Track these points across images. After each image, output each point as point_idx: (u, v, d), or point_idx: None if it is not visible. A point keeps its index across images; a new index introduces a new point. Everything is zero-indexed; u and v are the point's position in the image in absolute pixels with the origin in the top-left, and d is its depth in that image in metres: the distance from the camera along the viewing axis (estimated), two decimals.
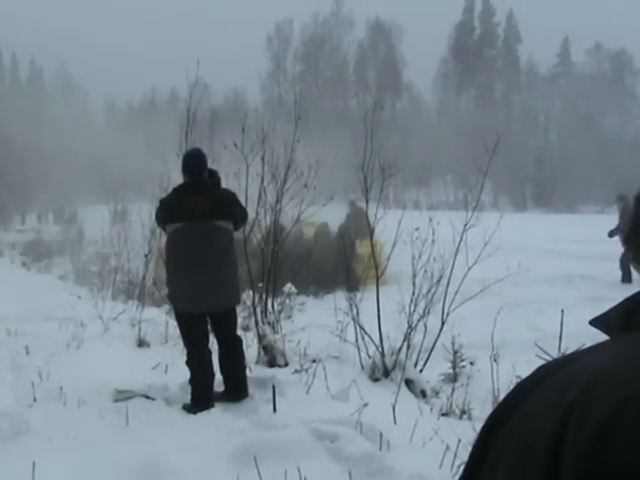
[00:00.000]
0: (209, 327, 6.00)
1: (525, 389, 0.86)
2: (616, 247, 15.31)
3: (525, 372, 1.01)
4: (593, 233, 26.32)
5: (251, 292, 8.11)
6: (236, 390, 5.96)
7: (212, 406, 5.68)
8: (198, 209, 5.69)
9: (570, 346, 5.50)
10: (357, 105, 73.70)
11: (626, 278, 14.85)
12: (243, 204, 6.36)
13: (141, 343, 8.27)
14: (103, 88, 76.31)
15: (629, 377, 0.75)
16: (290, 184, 8.21)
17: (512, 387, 0.90)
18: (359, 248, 11.49)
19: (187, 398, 5.79)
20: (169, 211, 5.84)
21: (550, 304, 11.29)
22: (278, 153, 8.26)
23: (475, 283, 8.06)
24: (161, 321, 8.83)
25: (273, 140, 8.23)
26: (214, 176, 6.00)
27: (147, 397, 5.94)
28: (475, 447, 0.88)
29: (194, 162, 5.88)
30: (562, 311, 5.87)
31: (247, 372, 6.14)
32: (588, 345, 0.93)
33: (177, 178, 5.97)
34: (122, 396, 5.86)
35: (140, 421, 5.27)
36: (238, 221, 5.97)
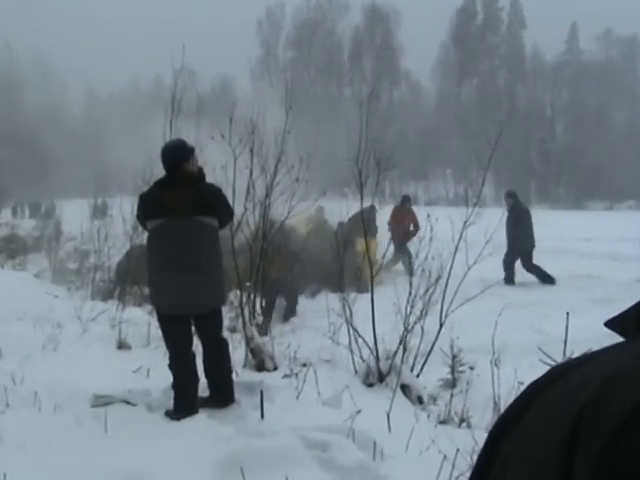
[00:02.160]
0: (193, 329, 5.99)
1: (535, 391, 0.87)
2: (625, 245, 15.40)
3: (528, 377, 1.02)
4: (601, 231, 26.47)
5: (238, 291, 8.11)
6: (222, 395, 5.95)
7: (196, 412, 5.67)
8: (180, 204, 5.66)
9: (576, 351, 5.52)
10: (352, 94, 73.69)
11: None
12: (230, 199, 6.36)
13: (121, 345, 8.26)
14: (83, 75, 75.89)
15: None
16: (280, 178, 8.21)
17: (521, 390, 0.91)
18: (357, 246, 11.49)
19: (170, 404, 5.79)
20: (149, 206, 5.82)
21: (555, 306, 11.30)
22: (268, 145, 8.26)
23: (475, 283, 8.08)
24: (143, 322, 8.82)
25: (262, 131, 8.23)
26: (199, 170, 5.98)
27: (127, 403, 5.93)
28: (482, 454, 0.89)
29: (175, 154, 5.84)
30: (567, 314, 5.89)
31: (233, 376, 6.14)
32: (595, 349, 0.93)
33: (161, 171, 5.95)
34: (101, 401, 5.85)
35: (120, 428, 5.26)
36: (224, 218, 5.96)
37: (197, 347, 6.03)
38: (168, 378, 5.86)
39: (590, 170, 65.88)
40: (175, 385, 5.79)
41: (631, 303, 0.95)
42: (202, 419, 5.55)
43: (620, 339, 0.94)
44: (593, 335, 7.79)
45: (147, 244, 5.99)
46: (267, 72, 75.98)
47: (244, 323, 7.86)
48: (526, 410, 0.86)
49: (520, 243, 15.13)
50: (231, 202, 6.64)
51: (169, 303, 5.74)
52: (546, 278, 15.12)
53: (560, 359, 5.58)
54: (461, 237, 7.44)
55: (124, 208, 11.59)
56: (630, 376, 0.77)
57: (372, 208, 15.38)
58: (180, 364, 5.79)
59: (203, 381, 5.96)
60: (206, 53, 62.71)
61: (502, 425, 0.90)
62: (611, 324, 0.95)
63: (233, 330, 8.26)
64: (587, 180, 65.25)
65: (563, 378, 0.85)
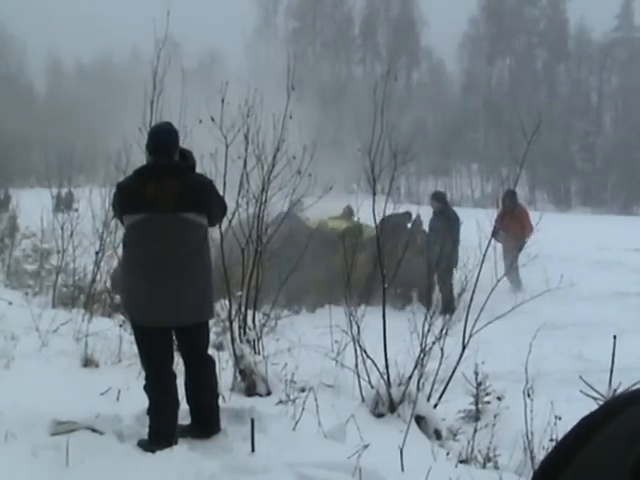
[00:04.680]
0: (174, 344, 6.00)
1: (587, 429, 0.88)
2: None
3: (566, 411, 1.03)
4: None
5: (227, 302, 8.11)
6: (205, 423, 5.96)
7: (175, 443, 5.67)
8: (163, 198, 5.67)
9: (624, 381, 5.53)
10: (364, 74, 73.90)
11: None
12: (220, 193, 6.36)
13: (88, 362, 8.26)
14: (46, 42, 75.96)
15: None
16: (279, 170, 8.21)
17: (574, 425, 0.91)
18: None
19: (144, 432, 5.79)
20: (127, 198, 5.83)
21: (599, 328, 11.32)
22: (265, 131, 8.26)
23: (505, 298, 8.10)
24: (113, 335, 8.82)
25: (259, 114, 8.23)
26: (187, 158, 5.99)
27: (94, 430, 5.94)
28: None
29: (162, 139, 5.87)
30: (614, 337, 5.89)
31: (220, 402, 6.15)
32: None
33: (139, 158, 5.97)
34: (62, 429, 5.86)
35: (84, 461, 5.26)
36: (214, 215, 5.97)
37: (178, 366, 6.03)
38: (143, 402, 5.86)
39: None
40: (151, 410, 5.79)
41: None
42: (182, 451, 5.55)
43: None
44: None
45: (123, 242, 6.01)
46: (265, 46, 76.07)
47: (233, 339, 7.85)
48: (577, 451, 0.86)
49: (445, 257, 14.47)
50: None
51: (146, 313, 5.74)
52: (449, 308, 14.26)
53: (604, 391, 5.59)
54: (489, 244, 7.46)
55: (94, 201, 11.59)
56: None
57: (406, 214, 15.59)
58: (157, 386, 5.80)
59: (184, 406, 5.97)
60: (193, 22, 62.69)
61: (548, 468, 0.90)
62: None
63: (220, 347, 8.26)
64: (638, 181, 65.17)
65: (621, 414, 0.86)
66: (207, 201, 5.83)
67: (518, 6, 76.18)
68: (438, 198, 16.08)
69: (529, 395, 6.00)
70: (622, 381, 5.29)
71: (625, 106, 73.77)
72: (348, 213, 16.83)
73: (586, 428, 0.89)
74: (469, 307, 7.37)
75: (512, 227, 14.76)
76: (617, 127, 73.81)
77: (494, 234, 15.33)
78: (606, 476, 0.80)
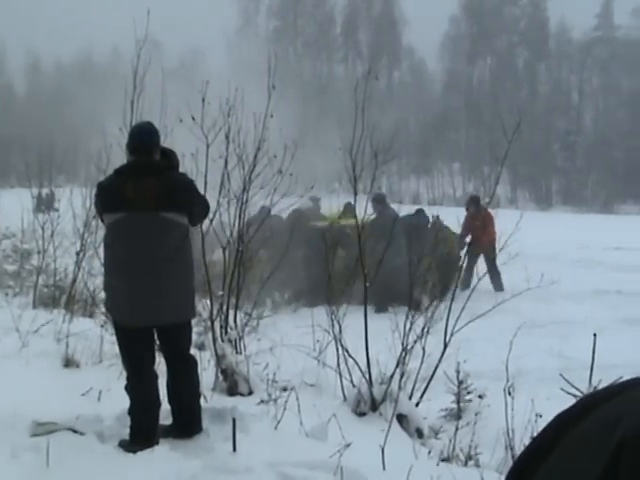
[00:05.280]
0: (156, 345, 5.99)
1: (567, 422, 0.88)
2: None
3: (547, 408, 1.03)
4: (634, 239, 26.56)
5: (208, 302, 8.10)
6: (187, 423, 5.95)
7: (156, 443, 5.66)
8: (142, 197, 5.65)
9: (604, 378, 5.55)
10: (345, 73, 73.91)
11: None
12: (202, 193, 6.35)
13: (69, 363, 8.23)
14: (25, 41, 75.55)
15: None
16: (260, 169, 8.21)
17: (544, 423, 0.92)
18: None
19: (125, 433, 5.77)
20: (107, 198, 5.81)
21: (579, 326, 11.39)
22: (246, 130, 8.25)
23: (486, 297, 8.12)
24: (94, 336, 8.79)
25: (240, 114, 8.22)
26: (170, 157, 5.97)
27: (74, 431, 5.92)
28: None
29: (142, 138, 5.86)
30: (594, 335, 5.92)
31: (201, 401, 6.14)
32: (627, 377, 0.95)
33: (119, 158, 5.95)
34: (42, 430, 5.83)
35: (65, 461, 5.24)
36: (195, 214, 5.95)
37: (160, 366, 6.02)
38: (124, 402, 5.85)
39: (622, 168, 66.15)
40: (132, 411, 5.78)
41: None
42: (163, 451, 5.55)
43: None
44: (624, 361, 7.87)
45: (104, 241, 6.00)
46: (246, 45, 75.97)
47: (214, 339, 7.85)
48: (555, 445, 0.87)
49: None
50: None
51: (127, 313, 5.73)
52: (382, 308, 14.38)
53: (585, 388, 5.62)
54: (470, 244, 7.48)
55: (74, 201, 11.55)
56: None
57: (420, 211, 15.67)
58: (139, 386, 5.78)
59: (165, 406, 5.95)
60: (174, 21, 62.60)
61: (526, 461, 0.91)
62: None
63: (201, 347, 8.25)
64: (618, 179, 65.50)
65: (595, 411, 0.87)
66: (187, 200, 5.81)
67: (499, 5, 76.43)
68: (378, 200, 16.18)
69: (510, 393, 6.02)
70: (602, 378, 5.31)
71: (605, 105, 74.18)
72: (351, 210, 16.92)
73: (562, 423, 0.89)
74: (450, 306, 7.39)
75: (476, 232, 14.82)
76: (597, 126, 74.15)
77: (461, 239, 15.51)
78: (583, 467, 0.81)
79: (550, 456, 0.86)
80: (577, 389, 5.69)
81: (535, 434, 0.95)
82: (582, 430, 0.85)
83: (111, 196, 5.77)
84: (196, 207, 5.91)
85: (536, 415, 5.45)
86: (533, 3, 77.16)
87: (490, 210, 14.65)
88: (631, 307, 14.27)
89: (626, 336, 9.24)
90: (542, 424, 0.95)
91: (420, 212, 15.91)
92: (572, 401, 0.96)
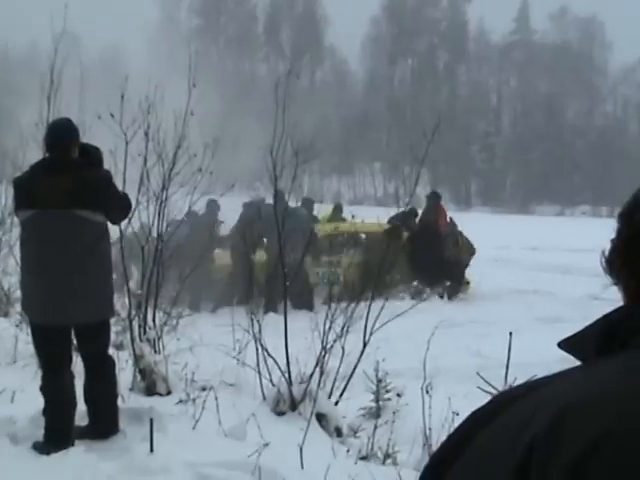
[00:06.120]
0: (73, 344, 5.90)
1: (480, 421, 0.89)
2: (578, 257, 15.81)
3: (463, 406, 1.04)
4: (551, 239, 27.08)
5: (127, 301, 8.02)
6: (103, 424, 5.87)
7: (72, 445, 5.58)
8: (56, 194, 5.56)
9: (519, 377, 5.63)
10: (267, 72, 73.82)
11: None
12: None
13: None
14: None
15: (607, 408, 0.78)
16: (180, 167, 8.15)
17: (458, 422, 0.92)
18: None
19: (39, 434, 5.67)
20: (22, 194, 5.73)
21: (496, 325, 11.53)
22: (166, 128, 8.19)
23: (407, 296, 8.16)
24: (8, 335, 8.64)
25: (160, 111, 8.15)
26: (90, 154, 5.87)
27: None
28: None
29: (59, 135, 5.77)
30: (510, 334, 6.00)
31: (119, 402, 6.07)
32: (541, 375, 0.96)
33: (35, 154, 5.85)
34: None
35: None
36: (113, 212, 5.88)
37: (77, 366, 5.93)
38: (38, 403, 5.75)
39: (539, 169, 67.33)
40: (47, 412, 5.68)
41: (583, 323, 0.98)
42: (78, 453, 5.47)
43: (569, 364, 0.96)
44: (539, 359, 8.00)
45: (19, 238, 5.91)
46: (167, 42, 75.30)
47: (133, 338, 7.77)
48: (466, 445, 0.87)
49: None
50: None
51: (42, 311, 5.63)
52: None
53: (500, 386, 5.69)
54: (390, 244, 7.52)
55: None
56: (587, 406, 0.79)
57: (411, 211, 16.21)
58: (54, 386, 5.69)
59: (81, 407, 5.87)
60: (93, 16, 61.73)
61: (441, 459, 0.91)
62: (566, 345, 0.98)
63: (120, 347, 8.16)
64: (536, 181, 66.66)
65: (509, 408, 0.87)
66: (104, 198, 5.72)
67: (419, 7, 77.15)
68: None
69: (427, 392, 6.07)
70: (518, 376, 5.39)
71: (523, 107, 75.36)
72: (339, 212, 17.33)
73: (476, 421, 0.90)
74: (370, 305, 7.43)
75: None
76: (515, 128, 75.35)
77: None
78: (495, 464, 0.81)
79: (464, 454, 0.86)
80: (493, 387, 5.76)
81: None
82: (495, 428, 0.86)
83: (25, 193, 5.68)
84: (113, 205, 5.83)
85: (453, 413, 5.50)
86: (453, 6, 78.11)
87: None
88: (546, 306, 14.54)
89: (541, 335, 9.36)
90: (459, 422, 0.95)
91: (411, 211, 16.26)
92: (489, 399, 0.97)
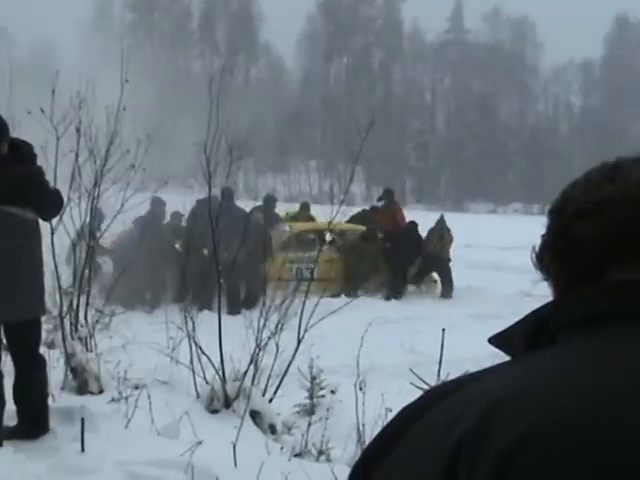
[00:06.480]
0: (2, 343, 5.81)
1: (410, 417, 0.89)
2: (510, 254, 16.03)
3: (397, 403, 1.03)
4: (484, 237, 27.37)
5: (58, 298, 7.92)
6: (33, 424, 5.79)
7: (0, 445, 5.50)
8: None
9: (452, 372, 5.68)
10: (202, 68, 73.40)
11: None
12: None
13: None
14: None
15: (534, 405, 0.78)
16: (113, 163, 8.07)
17: (390, 418, 0.92)
18: None
19: None
20: None
21: (430, 322, 11.61)
22: (98, 124, 8.10)
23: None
24: None
25: (92, 106, 8.06)
26: (21, 150, 5.77)
27: None
28: None
29: None
30: (443, 330, 6.05)
31: (49, 401, 6.00)
32: (472, 371, 0.96)
33: None
34: None
35: None
36: (44, 209, 5.80)
37: (6, 365, 5.84)
38: None
39: (473, 167, 68.05)
40: None
41: (514, 320, 0.99)
42: (7, 453, 5.38)
43: (500, 359, 0.97)
44: (471, 355, 8.08)
45: None
46: (100, 37, 74.46)
47: (64, 337, 7.67)
48: (396, 441, 0.87)
49: None
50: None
51: None
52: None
53: (434, 382, 5.73)
54: (325, 240, 7.53)
55: None
56: (515, 402, 0.80)
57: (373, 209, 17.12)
58: None
59: (10, 406, 5.78)
60: (23, 9, 60.82)
61: (368, 459, 0.91)
62: (496, 341, 0.98)
63: (51, 345, 8.05)
64: (469, 179, 67.36)
65: (439, 404, 0.87)
66: (34, 195, 5.64)
67: (354, 5, 77.37)
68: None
69: (361, 388, 6.10)
70: (450, 372, 5.43)
71: (457, 106, 76.08)
72: (306, 210, 17.49)
73: (407, 417, 0.90)
74: (304, 302, 7.43)
75: (388, 226, 16.89)
76: (449, 126, 76.04)
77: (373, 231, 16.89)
78: (425, 460, 0.81)
79: (394, 450, 0.86)
80: (426, 383, 5.80)
81: None
82: (425, 424, 0.86)
83: None
84: (44, 201, 5.75)
85: (386, 409, 5.52)
86: (388, 4, 78.49)
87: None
88: (479, 303, 14.70)
89: (473, 331, 9.46)
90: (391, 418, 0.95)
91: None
92: (420, 394, 0.97)
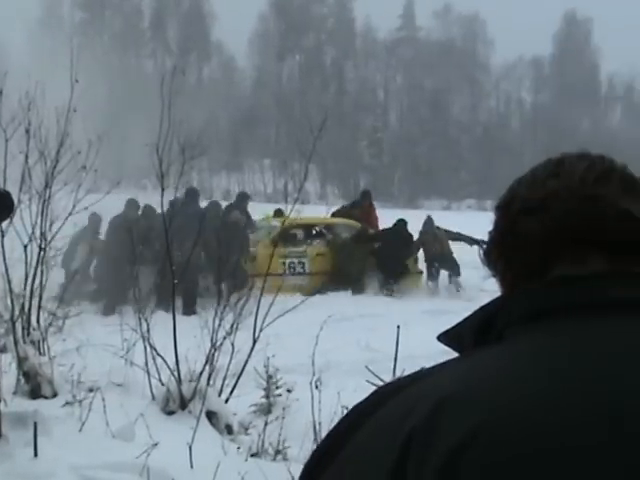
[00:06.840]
0: None
1: (363, 413, 0.89)
2: (463, 250, 16.19)
3: (353, 400, 1.03)
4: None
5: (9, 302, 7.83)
6: None
7: None
8: None
9: (407, 368, 5.70)
10: (154, 68, 72.99)
11: None
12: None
13: None
14: None
15: (481, 401, 0.79)
16: (64, 165, 8.01)
17: (346, 412, 0.92)
18: None
19: None
20: None
21: (385, 319, 11.63)
22: (48, 125, 8.03)
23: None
24: None
25: (42, 107, 7.99)
26: None
27: None
28: None
29: None
30: (398, 327, 6.08)
31: (1, 406, 5.93)
32: (427, 367, 0.96)
33: None
34: None
35: None
36: None
37: None
38: None
39: (426, 164, 68.46)
40: None
41: (467, 315, 0.99)
42: None
43: (453, 355, 0.97)
44: (426, 351, 8.10)
45: None
46: (49, 37, 73.74)
47: (16, 340, 7.59)
48: (349, 437, 0.87)
49: None
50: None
51: None
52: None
53: (389, 379, 5.75)
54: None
55: None
56: (463, 398, 0.80)
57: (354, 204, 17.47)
58: None
59: None
60: None
61: (318, 457, 0.91)
62: (445, 338, 0.98)
63: (2, 350, 7.96)
64: (423, 175, 67.73)
65: (390, 401, 0.87)
66: None
67: (306, 3, 77.44)
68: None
69: (317, 387, 6.10)
70: (406, 368, 5.46)
71: (410, 103, 76.44)
72: (280, 216, 17.65)
73: (358, 415, 0.90)
74: (259, 301, 7.42)
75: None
76: (402, 123, 76.40)
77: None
78: (376, 459, 0.81)
79: (347, 445, 0.86)
80: (382, 380, 5.82)
81: None
82: (378, 419, 0.86)
83: None
84: None
85: (342, 407, 5.52)
86: (340, 3, 78.67)
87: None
88: (434, 299, 14.79)
89: (428, 327, 9.49)
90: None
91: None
92: (372, 391, 0.97)
